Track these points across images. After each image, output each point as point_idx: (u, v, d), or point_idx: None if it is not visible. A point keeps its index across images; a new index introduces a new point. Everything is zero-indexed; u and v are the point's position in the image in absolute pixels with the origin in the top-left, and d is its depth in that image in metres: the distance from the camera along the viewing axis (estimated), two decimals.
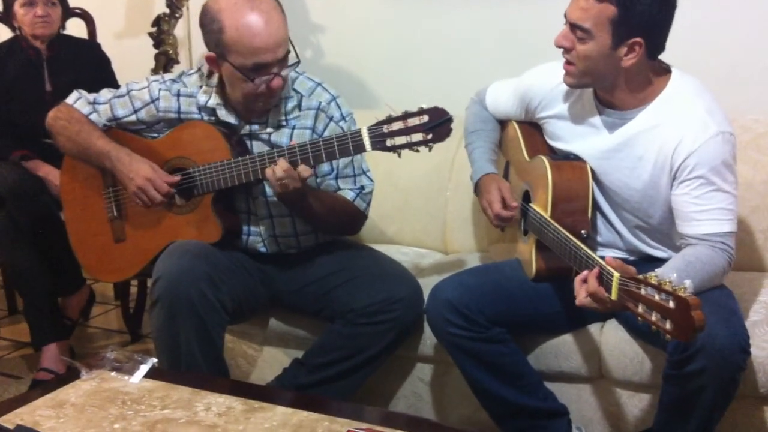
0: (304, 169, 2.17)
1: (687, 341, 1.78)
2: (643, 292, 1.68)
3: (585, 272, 1.88)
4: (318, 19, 3.53)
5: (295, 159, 2.19)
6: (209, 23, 2.25)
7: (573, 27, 2.04)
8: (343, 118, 2.41)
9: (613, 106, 2.15)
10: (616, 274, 1.76)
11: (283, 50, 2.24)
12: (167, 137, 2.45)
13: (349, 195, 2.43)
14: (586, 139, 2.20)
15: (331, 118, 2.39)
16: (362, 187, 2.45)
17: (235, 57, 2.23)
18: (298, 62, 2.33)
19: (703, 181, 2.01)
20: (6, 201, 2.93)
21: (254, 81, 2.24)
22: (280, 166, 2.16)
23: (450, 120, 2.10)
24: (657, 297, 1.64)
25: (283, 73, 2.27)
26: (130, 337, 3.42)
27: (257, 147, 2.38)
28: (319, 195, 2.36)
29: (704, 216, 2.01)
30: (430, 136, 2.10)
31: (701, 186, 2.01)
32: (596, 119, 2.18)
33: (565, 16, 2.07)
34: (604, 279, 1.81)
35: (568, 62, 2.10)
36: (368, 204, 2.47)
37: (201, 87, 2.42)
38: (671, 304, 1.60)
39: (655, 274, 1.68)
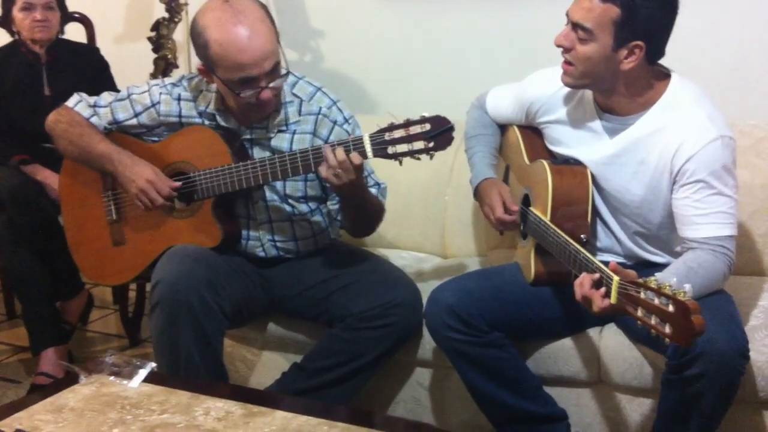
0: (355, 157, 2.13)
1: (686, 346, 1.78)
2: (642, 295, 1.68)
3: (583, 275, 1.88)
4: (318, 25, 3.52)
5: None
6: (197, 38, 2.25)
7: (575, 26, 2.04)
8: (346, 120, 2.42)
9: (614, 111, 2.15)
10: (616, 278, 1.76)
11: (270, 63, 2.22)
12: (168, 141, 2.45)
13: (373, 191, 2.43)
14: (587, 145, 2.20)
15: (334, 122, 2.40)
16: (378, 184, 2.46)
17: (222, 71, 2.23)
18: (287, 73, 2.31)
19: (703, 184, 2.01)
20: (5, 205, 2.93)
21: (240, 95, 2.24)
22: (337, 156, 2.12)
23: (452, 129, 2.10)
24: (656, 301, 1.63)
25: (273, 85, 2.26)
26: (129, 341, 3.41)
27: (258, 152, 2.39)
28: (367, 190, 2.36)
29: (705, 219, 2.01)
30: (431, 145, 2.10)
31: (701, 189, 2.02)
32: (597, 124, 2.18)
33: (567, 15, 2.06)
34: (603, 282, 1.81)
35: (567, 62, 2.10)
36: (385, 199, 2.49)
37: (201, 92, 2.42)
38: (671, 308, 1.60)
39: (655, 278, 1.68)
